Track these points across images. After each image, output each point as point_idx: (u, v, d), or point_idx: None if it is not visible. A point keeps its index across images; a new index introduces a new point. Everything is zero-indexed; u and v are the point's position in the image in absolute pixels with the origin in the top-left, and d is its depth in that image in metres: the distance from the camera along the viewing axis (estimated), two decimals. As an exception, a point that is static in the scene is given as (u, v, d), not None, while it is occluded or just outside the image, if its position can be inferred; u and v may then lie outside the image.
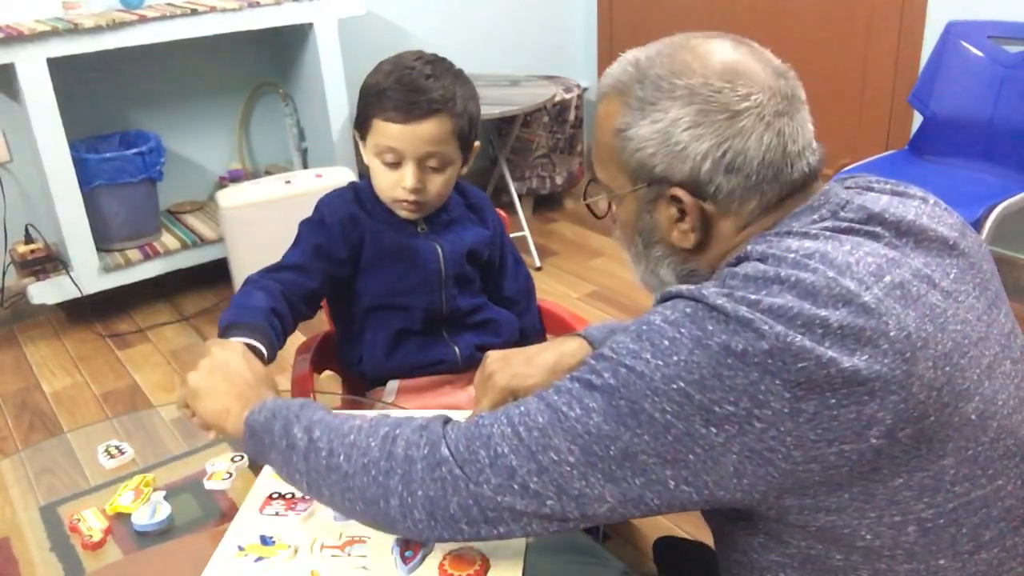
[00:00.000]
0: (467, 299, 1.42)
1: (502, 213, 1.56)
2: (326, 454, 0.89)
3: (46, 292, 2.65)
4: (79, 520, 1.06)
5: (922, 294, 0.79)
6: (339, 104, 2.89)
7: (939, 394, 0.76)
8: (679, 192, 0.85)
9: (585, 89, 3.57)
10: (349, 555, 0.95)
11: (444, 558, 0.93)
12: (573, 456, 0.77)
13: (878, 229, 0.84)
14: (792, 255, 0.79)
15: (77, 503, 1.12)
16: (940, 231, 0.86)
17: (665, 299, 0.82)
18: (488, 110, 2.67)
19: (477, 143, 1.36)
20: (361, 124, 1.32)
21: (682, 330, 0.76)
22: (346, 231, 1.35)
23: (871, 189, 0.91)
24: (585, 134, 3.54)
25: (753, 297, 0.75)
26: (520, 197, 3.18)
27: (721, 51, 0.86)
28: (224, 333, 1.18)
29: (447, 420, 0.88)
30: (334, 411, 0.95)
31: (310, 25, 2.78)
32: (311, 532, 0.99)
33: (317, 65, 2.83)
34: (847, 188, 0.91)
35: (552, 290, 2.85)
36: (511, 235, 1.59)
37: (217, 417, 1.02)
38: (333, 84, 2.86)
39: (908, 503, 0.77)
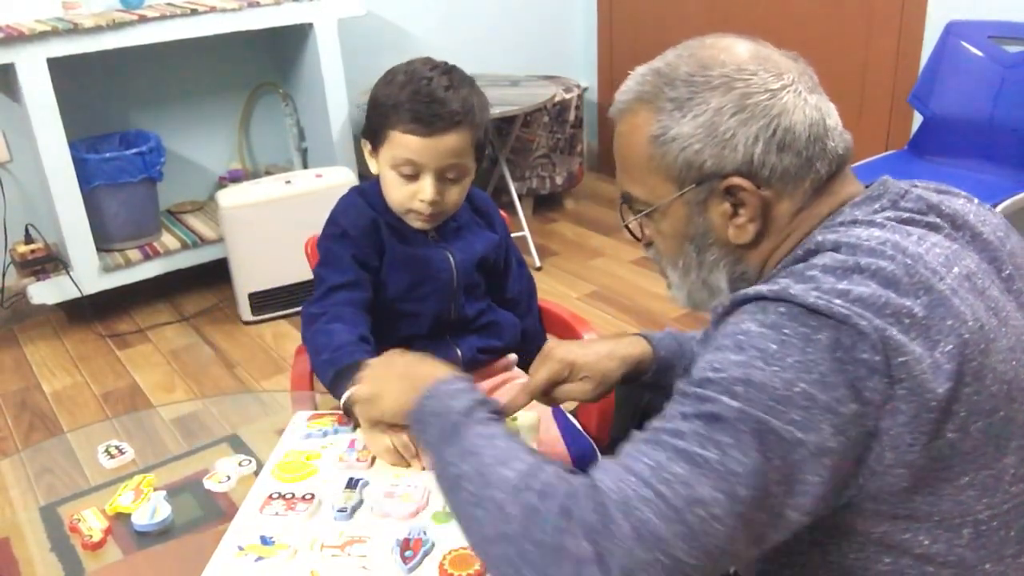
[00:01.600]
0: (473, 304, 1.42)
1: (503, 213, 1.56)
2: (471, 502, 0.80)
3: (46, 292, 2.65)
4: (79, 520, 1.06)
5: (986, 287, 0.79)
6: (339, 104, 2.89)
7: (1008, 388, 0.75)
8: (737, 180, 0.83)
9: (585, 89, 3.57)
10: (349, 555, 0.95)
11: (444, 558, 0.93)
12: (720, 508, 0.70)
13: (938, 220, 0.83)
14: (866, 243, 0.78)
15: (77, 503, 1.12)
16: (986, 230, 0.85)
17: (740, 304, 0.79)
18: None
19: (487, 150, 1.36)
20: (374, 135, 1.30)
21: (786, 331, 0.73)
22: (370, 237, 1.33)
23: (915, 187, 0.90)
24: (585, 134, 3.54)
25: (840, 287, 0.74)
26: (520, 197, 3.18)
27: (738, 44, 0.87)
28: (335, 383, 1.16)
29: (591, 487, 0.75)
30: (488, 422, 0.87)
31: (310, 25, 2.78)
32: (311, 532, 0.99)
33: (317, 65, 2.83)
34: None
35: (552, 290, 2.85)
36: (511, 235, 1.59)
37: (398, 407, 0.99)
38: (333, 84, 2.86)
39: (969, 503, 0.76)
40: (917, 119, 2.63)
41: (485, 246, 1.42)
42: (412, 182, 1.27)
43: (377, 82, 1.30)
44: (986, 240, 0.85)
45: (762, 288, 0.77)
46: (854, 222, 0.82)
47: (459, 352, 1.39)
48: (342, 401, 1.15)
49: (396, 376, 1.03)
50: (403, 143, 1.24)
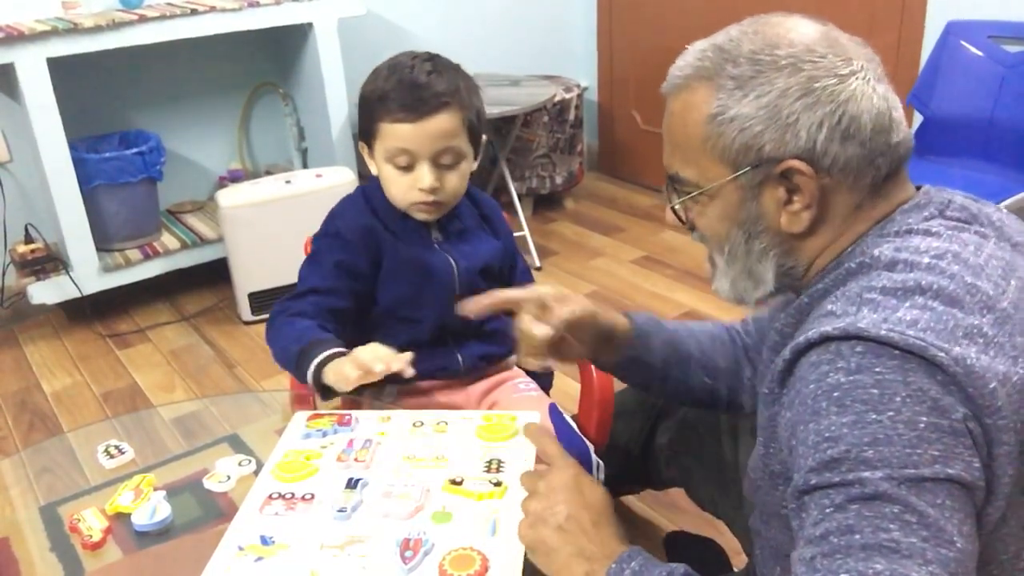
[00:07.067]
0: None
1: (505, 215, 1.56)
2: None
3: (46, 292, 2.65)
4: (79, 520, 1.06)
5: None
6: (339, 104, 2.89)
7: None
8: (797, 164, 0.79)
9: (585, 89, 3.57)
10: (349, 555, 0.95)
11: (444, 558, 0.93)
12: None
13: (985, 230, 0.81)
14: (925, 258, 0.75)
15: (77, 503, 1.12)
16: (1020, 239, 0.83)
17: (803, 351, 0.75)
18: (488, 110, 2.65)
19: (484, 137, 1.36)
20: (366, 132, 1.30)
21: (877, 370, 0.69)
22: (366, 242, 1.32)
23: (955, 196, 0.87)
24: (585, 134, 3.53)
25: (908, 316, 0.70)
26: (520, 197, 3.18)
27: (806, 24, 0.84)
28: (301, 361, 1.16)
29: None
30: None
31: (310, 25, 2.78)
32: (311, 532, 0.99)
33: (317, 65, 2.83)
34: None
35: (552, 290, 2.85)
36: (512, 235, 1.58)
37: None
38: (333, 84, 2.86)
39: None
40: (917, 119, 2.63)
41: (490, 254, 1.41)
42: (409, 173, 1.28)
43: (364, 82, 1.31)
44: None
45: (824, 328, 0.73)
46: (909, 231, 0.79)
47: (460, 358, 1.39)
48: (310, 375, 1.15)
49: (566, 552, 0.88)
50: (393, 133, 1.26)
